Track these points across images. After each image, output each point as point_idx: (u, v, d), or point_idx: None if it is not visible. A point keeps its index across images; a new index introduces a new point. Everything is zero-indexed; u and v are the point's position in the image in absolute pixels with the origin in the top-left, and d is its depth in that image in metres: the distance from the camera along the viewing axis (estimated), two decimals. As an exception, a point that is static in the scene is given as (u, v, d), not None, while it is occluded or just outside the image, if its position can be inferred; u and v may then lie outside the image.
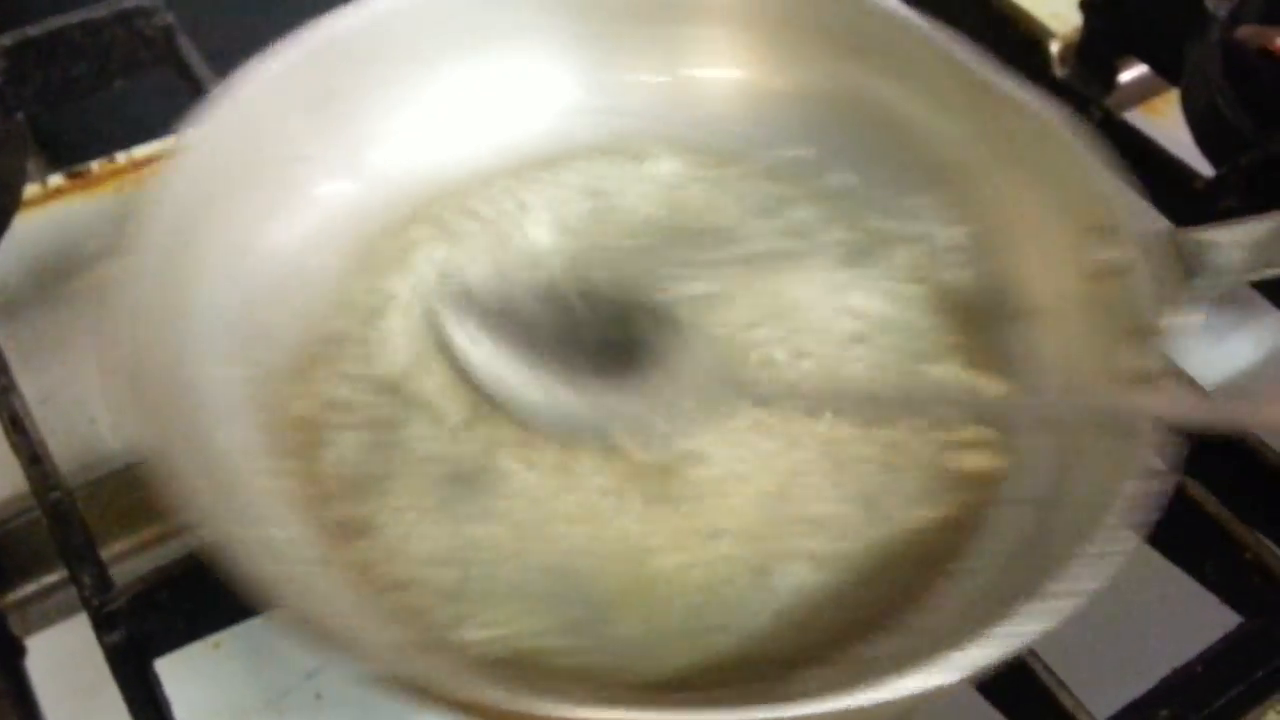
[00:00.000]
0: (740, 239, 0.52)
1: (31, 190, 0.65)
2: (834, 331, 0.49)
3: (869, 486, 0.44)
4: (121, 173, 0.69)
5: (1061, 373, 0.46)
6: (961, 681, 0.35)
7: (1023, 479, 0.44)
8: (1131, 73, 0.70)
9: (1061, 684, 0.42)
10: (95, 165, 0.68)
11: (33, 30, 0.57)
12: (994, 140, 0.50)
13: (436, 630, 0.41)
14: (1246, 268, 0.44)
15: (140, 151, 0.69)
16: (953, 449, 0.45)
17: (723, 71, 0.55)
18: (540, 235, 0.52)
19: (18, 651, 0.47)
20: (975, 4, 0.66)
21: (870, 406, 0.46)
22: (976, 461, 0.45)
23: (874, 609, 0.42)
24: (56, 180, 0.67)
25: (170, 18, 0.60)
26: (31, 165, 0.65)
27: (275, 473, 0.43)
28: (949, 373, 0.48)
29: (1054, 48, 0.63)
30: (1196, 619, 0.46)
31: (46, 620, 0.51)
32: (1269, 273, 0.45)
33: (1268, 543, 0.46)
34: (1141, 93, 0.71)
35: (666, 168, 0.54)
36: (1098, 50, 0.67)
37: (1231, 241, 0.44)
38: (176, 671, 0.44)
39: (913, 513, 0.44)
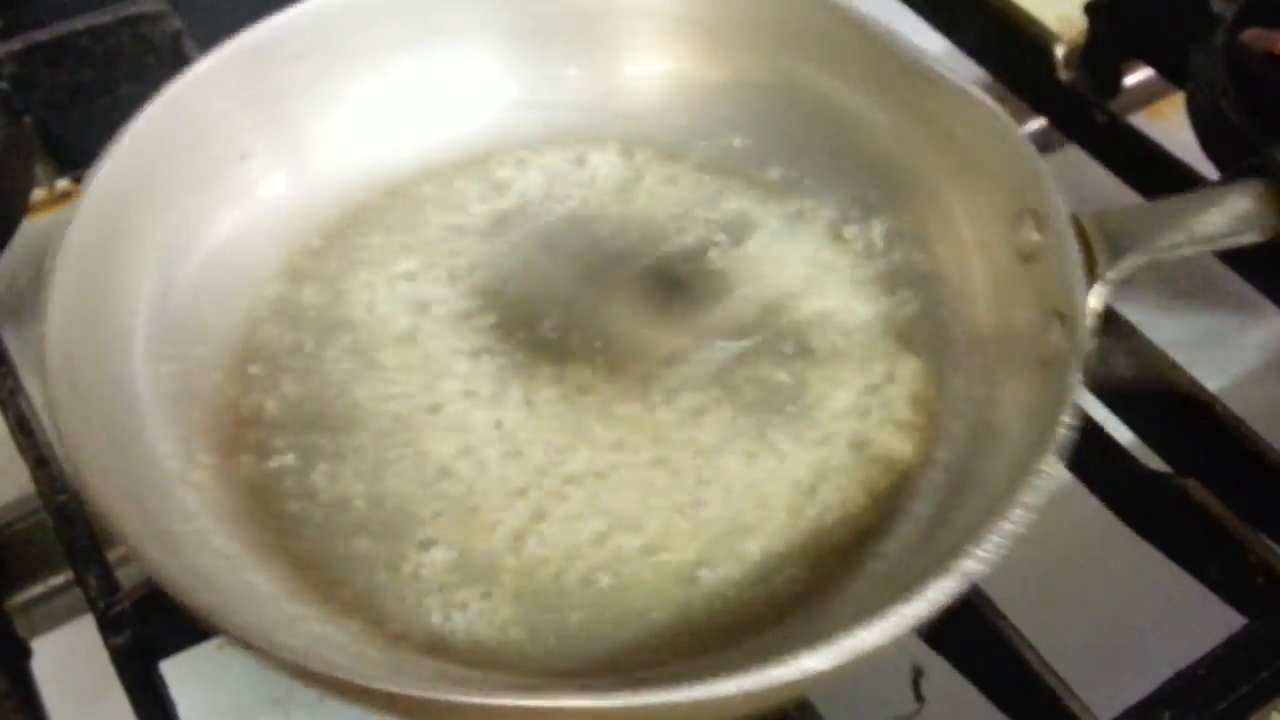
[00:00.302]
0: (680, 229, 0.52)
1: (38, 194, 0.65)
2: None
3: (790, 470, 0.45)
4: (129, 177, 0.69)
5: (993, 354, 0.47)
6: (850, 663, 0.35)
7: (938, 460, 0.45)
8: (1137, 76, 0.70)
9: (1065, 685, 0.42)
10: (102, 170, 0.68)
11: (40, 35, 0.58)
12: (927, 127, 0.50)
13: (371, 609, 0.42)
14: (1153, 249, 0.45)
15: (147, 156, 0.69)
16: (875, 429, 0.46)
17: (659, 65, 0.56)
18: (477, 231, 0.52)
19: (23, 653, 0.47)
20: (980, 8, 0.66)
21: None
22: (896, 444, 0.46)
23: (791, 593, 0.42)
24: (63, 184, 0.67)
25: (178, 23, 0.60)
26: (39, 170, 0.65)
27: (204, 468, 0.44)
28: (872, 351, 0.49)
29: (1059, 51, 0.63)
30: (1200, 620, 0.46)
31: (52, 622, 0.52)
32: (1179, 252, 0.46)
33: (1271, 544, 0.46)
34: (1146, 96, 0.71)
35: (603, 161, 0.55)
36: (1103, 53, 0.67)
37: (1139, 223, 0.46)
38: (181, 672, 0.44)
39: (833, 495, 0.45)
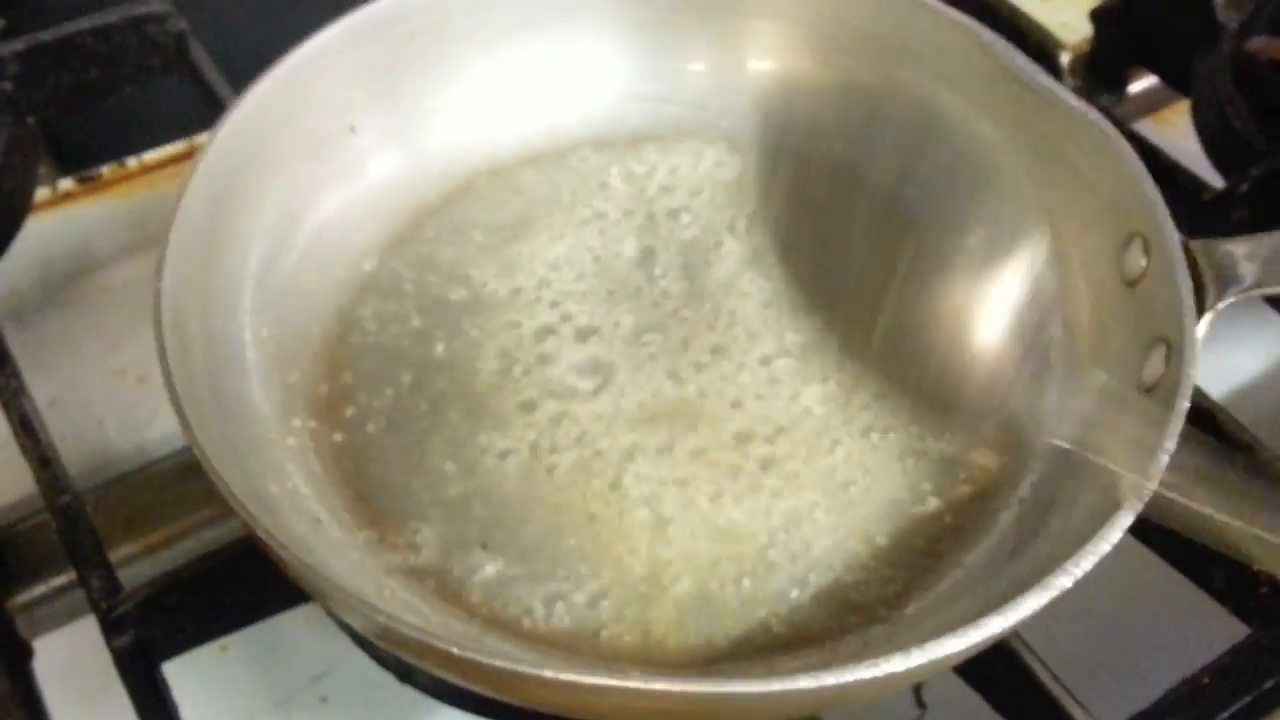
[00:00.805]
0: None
1: (42, 194, 0.65)
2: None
3: (884, 479, 0.46)
4: (132, 177, 0.69)
5: (1087, 373, 0.46)
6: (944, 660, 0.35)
7: (1024, 478, 0.45)
8: (1141, 83, 0.70)
9: (1069, 693, 0.42)
10: (106, 170, 0.68)
11: (45, 35, 0.58)
12: (1036, 143, 0.50)
13: (448, 585, 0.42)
14: (1262, 281, 0.44)
15: (151, 156, 0.69)
16: (966, 445, 0.46)
17: (772, 63, 0.55)
18: (578, 219, 0.53)
19: (25, 654, 0.47)
20: (985, 14, 0.66)
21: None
22: (985, 459, 0.46)
23: (878, 596, 0.43)
24: (67, 185, 0.67)
25: (183, 24, 0.60)
26: (42, 170, 0.65)
27: (299, 432, 0.45)
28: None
29: (1064, 58, 0.63)
30: (1204, 630, 0.46)
31: (54, 623, 0.51)
32: None
33: (1276, 554, 0.46)
34: (1151, 103, 0.71)
35: (710, 158, 0.55)
36: (1108, 61, 0.67)
37: (1248, 255, 0.44)
38: (184, 674, 0.44)
39: (919, 506, 0.45)
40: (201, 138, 0.69)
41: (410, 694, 0.46)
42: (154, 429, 0.58)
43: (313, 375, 0.47)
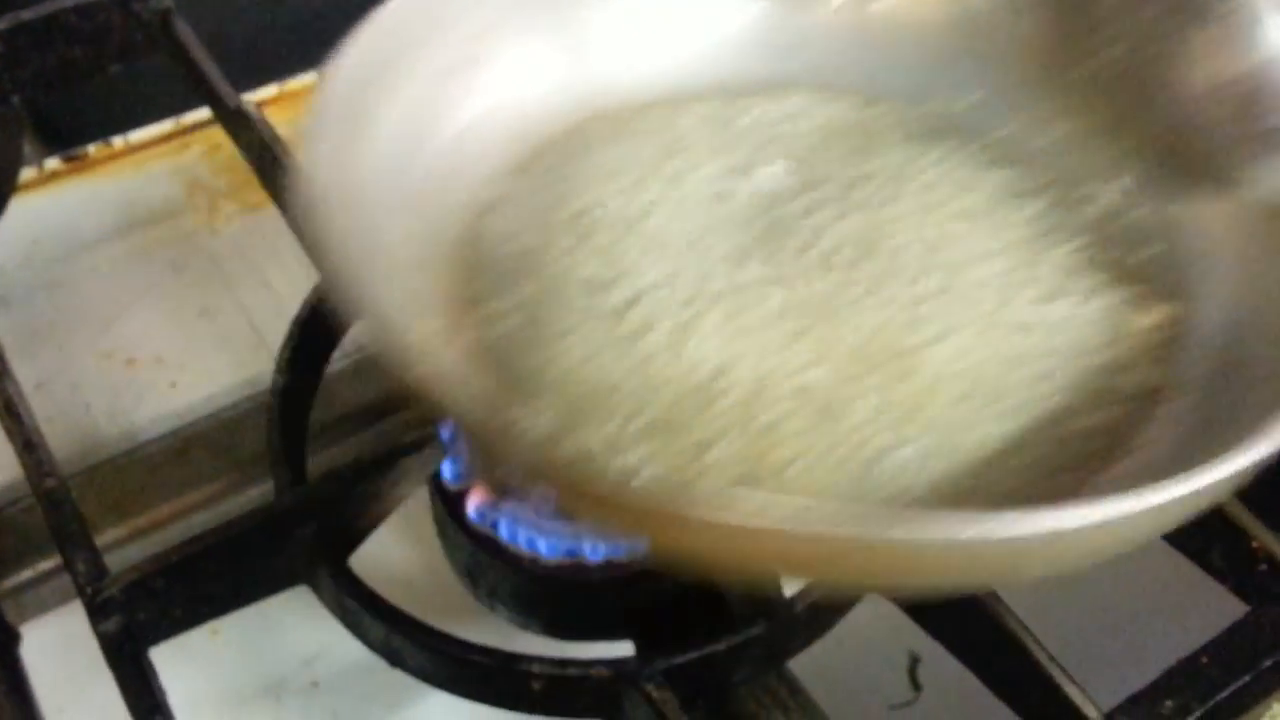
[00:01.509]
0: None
1: (28, 174, 0.65)
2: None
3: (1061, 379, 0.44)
4: (119, 157, 0.69)
5: (1250, 295, 0.45)
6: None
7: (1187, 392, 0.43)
8: None
9: (1066, 673, 0.42)
10: (92, 149, 0.68)
11: (28, 14, 0.57)
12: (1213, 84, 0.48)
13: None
14: None
15: (138, 136, 0.69)
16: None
17: (902, 6, 0.54)
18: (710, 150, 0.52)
19: (12, 638, 0.47)
20: None
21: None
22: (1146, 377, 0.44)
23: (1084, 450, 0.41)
24: (53, 164, 0.67)
25: (168, 1, 0.59)
26: (28, 149, 0.64)
27: (431, 333, 0.44)
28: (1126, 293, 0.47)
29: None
30: (1203, 608, 0.46)
31: (42, 607, 0.51)
32: None
33: (1273, 532, 0.45)
34: None
35: (840, 105, 0.53)
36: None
37: None
38: (174, 659, 0.44)
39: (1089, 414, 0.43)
40: (189, 116, 0.69)
41: (401, 678, 0.45)
42: (142, 412, 0.57)
43: (438, 281, 0.46)
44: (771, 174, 0.52)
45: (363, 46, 0.46)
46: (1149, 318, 0.46)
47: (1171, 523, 0.35)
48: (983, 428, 0.42)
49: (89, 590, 0.42)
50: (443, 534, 0.49)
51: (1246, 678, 0.42)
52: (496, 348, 0.45)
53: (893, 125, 0.53)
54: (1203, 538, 0.46)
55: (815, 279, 0.47)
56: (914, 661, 0.50)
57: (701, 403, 0.43)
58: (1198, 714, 0.42)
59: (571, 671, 0.42)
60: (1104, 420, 0.42)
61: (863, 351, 0.44)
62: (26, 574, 0.52)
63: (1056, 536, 0.32)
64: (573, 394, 0.43)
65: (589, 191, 0.50)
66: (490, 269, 0.47)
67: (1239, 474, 0.34)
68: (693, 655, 0.43)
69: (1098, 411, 0.42)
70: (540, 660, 0.42)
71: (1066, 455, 0.41)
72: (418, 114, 0.48)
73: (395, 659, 0.45)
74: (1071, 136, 0.51)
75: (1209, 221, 0.48)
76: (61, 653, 0.48)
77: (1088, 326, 0.45)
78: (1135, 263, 0.48)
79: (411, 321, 0.43)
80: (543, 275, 0.47)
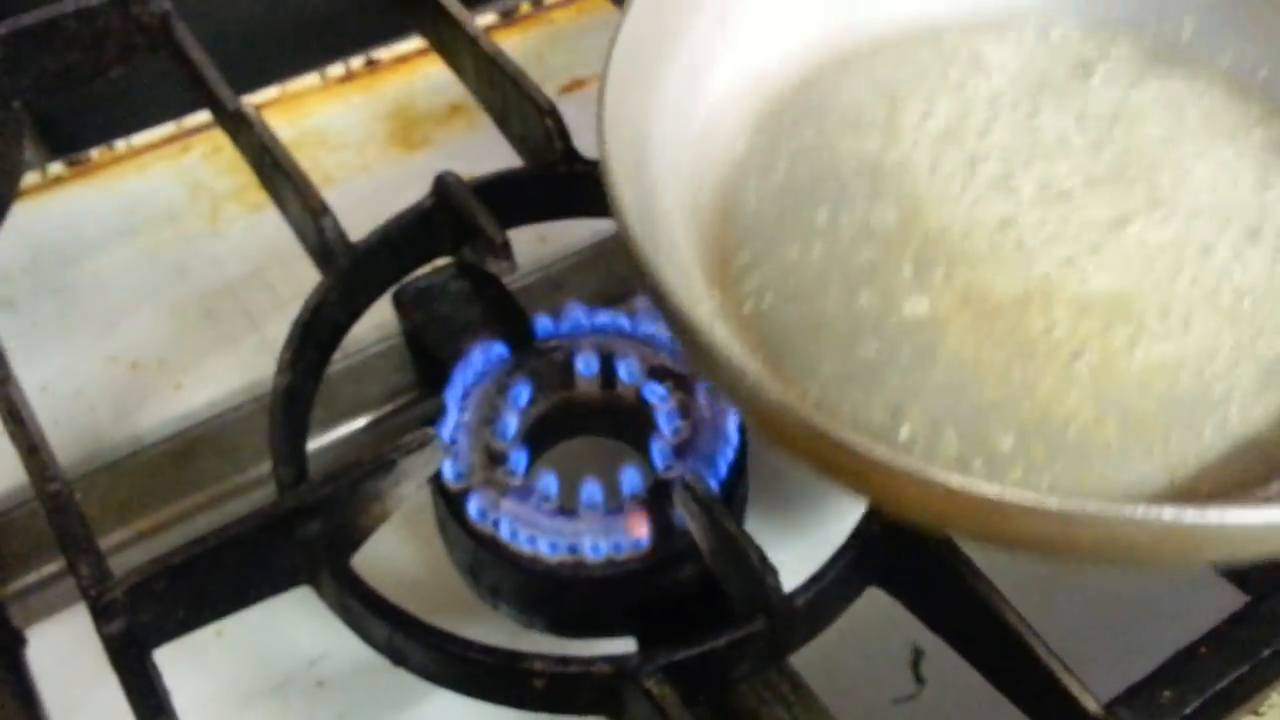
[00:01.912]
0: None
1: (31, 178, 0.65)
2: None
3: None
4: (122, 160, 0.69)
5: None
6: None
7: None
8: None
9: (1065, 666, 0.42)
10: (95, 153, 0.68)
11: (28, 19, 0.57)
12: None
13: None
14: None
15: (141, 139, 0.69)
16: None
17: None
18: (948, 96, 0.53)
19: (18, 642, 0.47)
20: None
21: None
22: None
23: None
24: (56, 168, 0.67)
25: (166, 4, 0.59)
26: (31, 154, 0.65)
27: (708, 303, 0.46)
28: None
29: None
30: (1201, 598, 0.46)
31: (47, 610, 0.51)
32: None
33: (1273, 522, 0.45)
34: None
35: (1062, 36, 0.54)
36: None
37: None
38: (179, 660, 0.44)
39: None
40: (191, 119, 0.69)
41: (405, 677, 0.45)
42: (146, 415, 0.57)
43: (711, 250, 0.47)
44: (1024, 112, 0.52)
45: (636, 19, 0.47)
46: None
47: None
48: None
49: (93, 593, 0.43)
50: (444, 533, 0.49)
51: (1245, 668, 0.42)
52: (761, 324, 0.45)
53: (1128, 56, 0.53)
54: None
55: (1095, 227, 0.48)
56: (917, 655, 0.50)
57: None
58: (1196, 704, 0.42)
59: (573, 669, 0.43)
60: None
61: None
62: (32, 577, 0.52)
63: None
64: (841, 379, 0.44)
65: (842, 141, 0.51)
66: (751, 234, 0.48)
67: None
68: (694, 651, 0.43)
69: None
70: (542, 658, 0.43)
71: None
72: (683, 84, 0.49)
73: (398, 658, 0.45)
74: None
75: None
76: (67, 656, 0.48)
77: None
78: None
79: (692, 295, 0.44)
80: (799, 238, 0.48)
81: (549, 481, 0.48)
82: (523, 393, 0.51)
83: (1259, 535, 0.35)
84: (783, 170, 0.50)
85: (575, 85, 0.73)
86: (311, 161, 0.66)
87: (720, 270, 0.47)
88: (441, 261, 0.56)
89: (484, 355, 0.52)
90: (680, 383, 0.51)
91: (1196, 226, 0.48)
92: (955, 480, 0.34)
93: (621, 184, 0.41)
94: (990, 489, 0.34)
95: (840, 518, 0.46)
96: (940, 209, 0.48)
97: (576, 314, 0.53)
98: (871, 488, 0.38)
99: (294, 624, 0.51)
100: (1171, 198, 0.49)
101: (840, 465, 0.37)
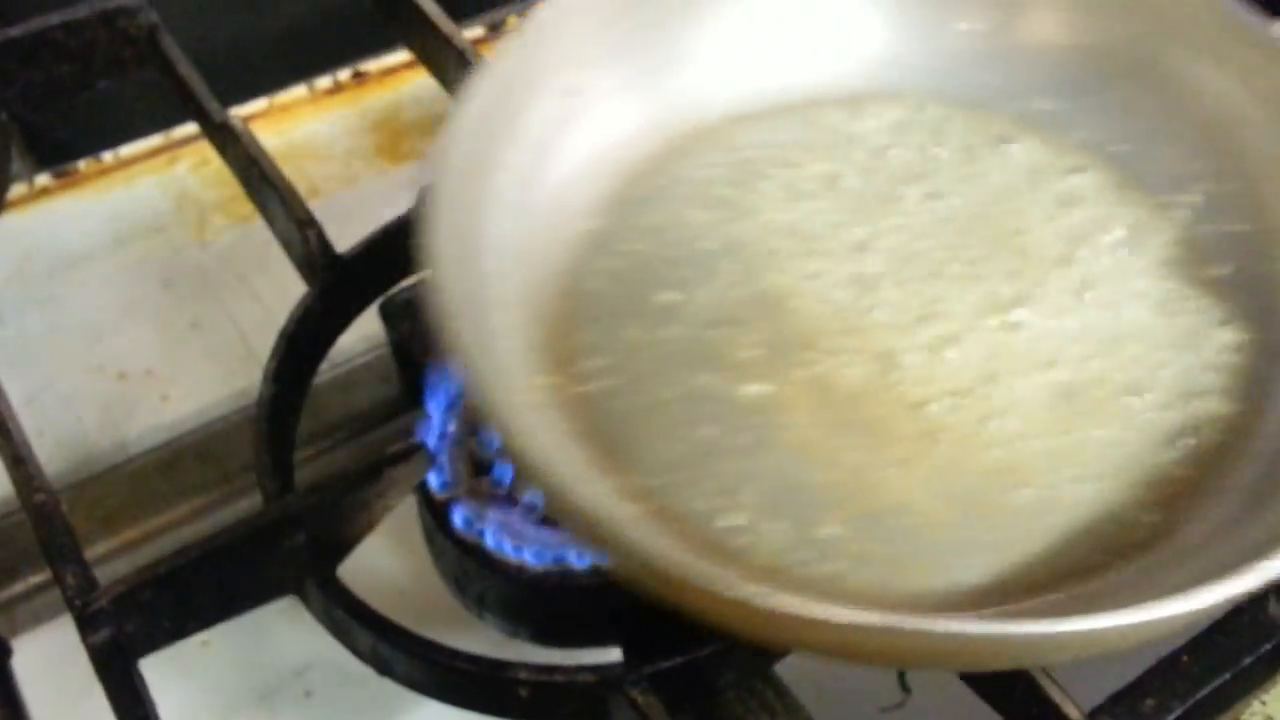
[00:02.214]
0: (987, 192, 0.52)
1: (18, 190, 0.65)
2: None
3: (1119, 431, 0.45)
4: (109, 172, 0.69)
5: None
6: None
7: (1264, 428, 0.44)
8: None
9: (1047, 673, 0.42)
10: (82, 165, 0.68)
11: (14, 31, 0.57)
12: (1265, 96, 0.49)
13: (695, 535, 0.42)
14: None
15: (128, 151, 0.69)
16: (1201, 394, 0.45)
17: (1015, 23, 0.54)
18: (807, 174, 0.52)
19: (4, 652, 0.47)
20: None
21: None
22: (1222, 408, 0.45)
23: (1125, 541, 0.42)
24: (44, 180, 0.67)
25: (154, 17, 0.59)
26: (18, 165, 0.65)
27: (538, 387, 0.44)
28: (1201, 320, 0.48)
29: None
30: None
31: (33, 621, 0.51)
32: None
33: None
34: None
35: (918, 115, 0.54)
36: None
37: None
38: (166, 670, 0.44)
39: (1164, 450, 0.44)
40: (178, 130, 0.69)
41: (391, 686, 0.45)
42: (133, 425, 0.57)
43: (547, 333, 0.47)
44: (883, 188, 0.52)
45: (474, 107, 0.46)
46: (1226, 334, 0.47)
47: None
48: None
49: (78, 603, 0.43)
50: (430, 543, 0.49)
51: (1226, 676, 0.43)
52: (599, 406, 0.45)
53: (995, 132, 0.53)
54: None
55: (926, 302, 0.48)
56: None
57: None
58: (1178, 713, 0.42)
59: (558, 678, 0.43)
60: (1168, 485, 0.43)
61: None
62: (18, 588, 0.52)
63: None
64: (673, 463, 0.43)
65: (694, 218, 0.50)
66: (593, 316, 0.47)
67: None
68: (679, 660, 0.43)
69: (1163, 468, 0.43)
70: (527, 667, 0.43)
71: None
72: (525, 163, 0.48)
73: (384, 668, 0.45)
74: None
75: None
76: (53, 666, 0.48)
77: (1168, 333, 0.46)
78: (1210, 279, 0.48)
79: (520, 379, 0.44)
80: (644, 320, 0.47)
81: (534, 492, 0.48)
82: (509, 403, 0.51)
83: (1047, 645, 0.35)
84: (631, 248, 0.49)
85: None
86: (298, 173, 0.66)
87: (559, 351, 0.46)
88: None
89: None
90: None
91: (1043, 312, 0.47)
92: (733, 590, 0.34)
93: (448, 279, 0.40)
94: (764, 599, 0.34)
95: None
96: (788, 290, 0.48)
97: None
98: (658, 590, 0.37)
99: (280, 634, 0.51)
100: (1029, 285, 0.48)
101: (626, 566, 0.37)
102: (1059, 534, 0.42)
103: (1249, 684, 0.43)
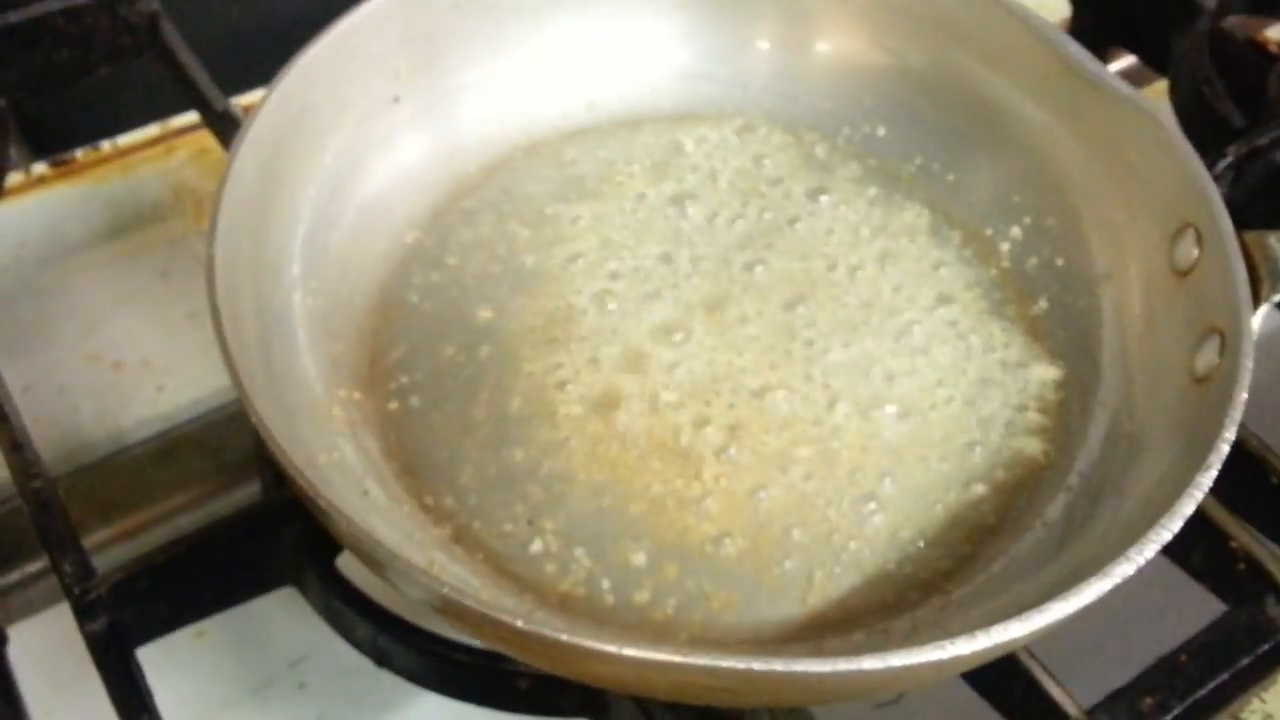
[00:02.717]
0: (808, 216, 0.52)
1: (15, 179, 0.65)
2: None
3: (934, 466, 0.46)
4: (107, 161, 0.68)
5: (1137, 365, 0.46)
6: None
7: (1073, 467, 0.45)
8: (1120, 63, 0.70)
9: (1047, 671, 0.42)
10: (80, 153, 0.68)
11: (14, 16, 0.57)
12: (1087, 132, 0.50)
13: (497, 559, 0.42)
14: None
15: (126, 140, 0.69)
16: (1007, 431, 0.46)
17: (824, 44, 0.55)
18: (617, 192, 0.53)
19: (0, 640, 0.47)
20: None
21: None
22: (1029, 446, 0.46)
23: (919, 578, 0.43)
24: (41, 168, 0.67)
25: (155, 4, 0.59)
26: (15, 153, 0.64)
27: (343, 402, 0.45)
28: (1014, 356, 0.48)
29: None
30: (1182, 607, 0.46)
31: (29, 609, 0.51)
32: None
33: (1253, 531, 0.46)
34: (1130, 83, 0.70)
35: (753, 136, 0.54)
36: (1086, 40, 0.67)
37: None
38: (162, 661, 0.44)
39: (962, 492, 0.45)
40: (176, 120, 0.69)
41: (388, 679, 0.45)
42: (129, 414, 0.57)
43: (358, 347, 0.47)
44: (704, 215, 0.52)
45: (271, 113, 0.45)
46: (1047, 373, 0.47)
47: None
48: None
49: (76, 591, 0.42)
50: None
51: (1225, 675, 0.43)
52: (408, 425, 0.45)
53: (815, 155, 0.54)
54: (1183, 538, 0.47)
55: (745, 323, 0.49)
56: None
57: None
58: (1176, 711, 0.42)
59: (557, 671, 0.43)
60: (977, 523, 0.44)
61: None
62: (14, 576, 0.52)
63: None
64: (483, 485, 0.43)
65: (518, 235, 0.50)
66: (407, 331, 0.47)
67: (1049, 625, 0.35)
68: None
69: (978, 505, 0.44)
70: (527, 660, 0.43)
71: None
72: (331, 173, 0.48)
73: (382, 659, 0.45)
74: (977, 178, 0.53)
75: (1098, 282, 0.49)
76: (49, 654, 0.48)
77: (983, 371, 0.47)
78: (1029, 315, 0.49)
79: (322, 395, 0.44)
80: (458, 337, 0.47)
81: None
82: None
83: (815, 684, 0.35)
84: (451, 264, 0.49)
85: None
86: (297, 164, 0.66)
87: (369, 368, 0.46)
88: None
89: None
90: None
91: (858, 350, 0.48)
92: (519, 623, 0.34)
93: (224, 301, 0.40)
94: (524, 626, 0.34)
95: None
96: (605, 312, 0.48)
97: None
98: (446, 616, 0.37)
99: (276, 626, 0.51)
100: (843, 319, 0.49)
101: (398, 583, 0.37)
102: (866, 571, 0.43)
103: (1248, 682, 0.43)
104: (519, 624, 0.33)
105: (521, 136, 0.53)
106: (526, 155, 0.53)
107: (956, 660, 0.34)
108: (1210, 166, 0.54)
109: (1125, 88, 0.48)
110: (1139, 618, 0.49)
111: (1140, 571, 0.48)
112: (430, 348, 0.47)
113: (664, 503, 0.44)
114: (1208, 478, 0.38)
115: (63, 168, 0.67)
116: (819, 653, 0.40)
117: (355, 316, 0.47)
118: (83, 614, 0.42)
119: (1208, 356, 0.42)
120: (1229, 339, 0.41)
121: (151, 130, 0.69)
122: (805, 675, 0.34)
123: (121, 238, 0.65)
